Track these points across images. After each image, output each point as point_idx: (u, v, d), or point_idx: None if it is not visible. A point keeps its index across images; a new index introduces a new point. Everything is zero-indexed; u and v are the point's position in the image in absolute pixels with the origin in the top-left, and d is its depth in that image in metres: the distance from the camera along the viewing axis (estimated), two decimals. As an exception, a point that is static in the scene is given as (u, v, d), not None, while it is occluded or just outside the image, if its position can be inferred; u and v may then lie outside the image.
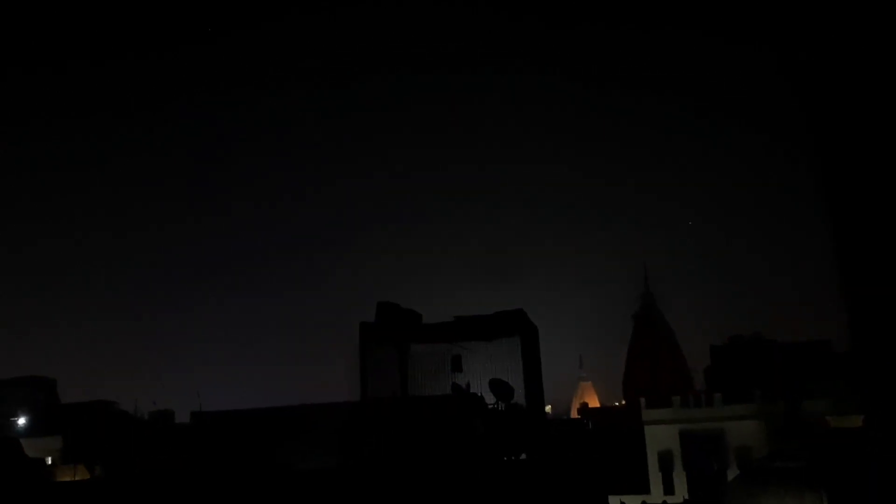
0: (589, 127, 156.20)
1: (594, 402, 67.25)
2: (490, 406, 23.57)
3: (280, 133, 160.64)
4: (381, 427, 21.83)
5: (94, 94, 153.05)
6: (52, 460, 46.69)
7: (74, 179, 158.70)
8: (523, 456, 22.29)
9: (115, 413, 56.11)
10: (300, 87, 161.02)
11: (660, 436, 45.81)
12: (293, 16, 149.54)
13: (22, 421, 56.45)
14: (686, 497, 42.39)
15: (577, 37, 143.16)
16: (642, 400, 46.78)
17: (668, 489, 44.74)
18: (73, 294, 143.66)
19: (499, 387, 23.34)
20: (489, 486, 19.68)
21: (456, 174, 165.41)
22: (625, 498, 36.63)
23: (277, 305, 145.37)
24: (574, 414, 63.25)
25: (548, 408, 66.55)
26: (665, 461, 45.82)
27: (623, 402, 59.45)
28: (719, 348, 52.63)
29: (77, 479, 40.02)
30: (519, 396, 23.19)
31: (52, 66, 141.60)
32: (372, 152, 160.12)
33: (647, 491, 44.21)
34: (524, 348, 23.46)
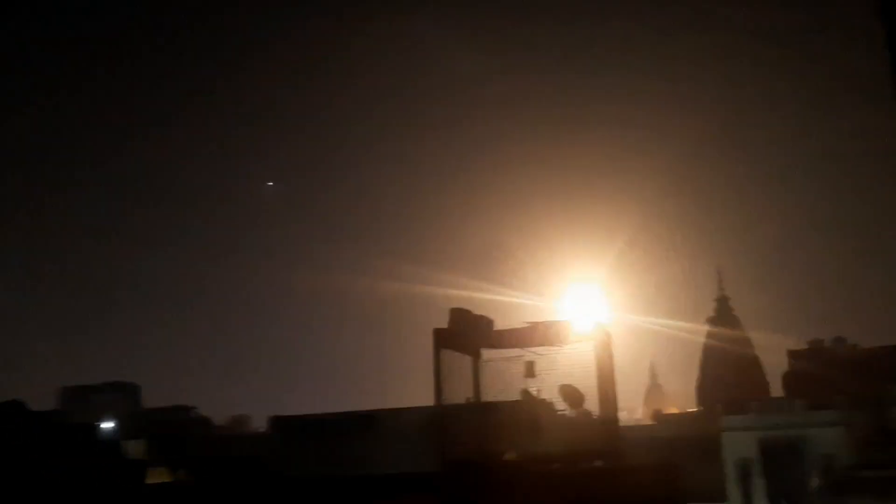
0: (656, 125, 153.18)
1: (668, 409, 66.15)
2: (560, 412, 23.46)
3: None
4: (456, 432, 22.03)
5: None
6: (137, 464, 48.70)
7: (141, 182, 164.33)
8: (598, 463, 22.16)
9: (195, 418, 58.17)
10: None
11: (738, 443, 44.75)
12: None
13: (109, 425, 59.02)
14: (766, 507, 41.33)
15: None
16: (719, 406, 45.87)
17: (747, 499, 43.72)
18: (150, 299, 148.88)
19: (569, 392, 23.23)
20: (558, 495, 19.61)
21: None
22: (701, 506, 35.91)
23: (352, 309, 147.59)
24: (648, 420, 62.37)
25: (622, 414, 65.69)
26: (743, 470, 44.76)
27: (698, 409, 58.35)
28: (798, 353, 51.15)
29: (161, 482, 41.66)
30: (592, 403, 23.08)
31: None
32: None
33: (724, 500, 43.30)
34: (597, 354, 23.26)
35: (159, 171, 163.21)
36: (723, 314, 59.26)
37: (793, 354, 51.80)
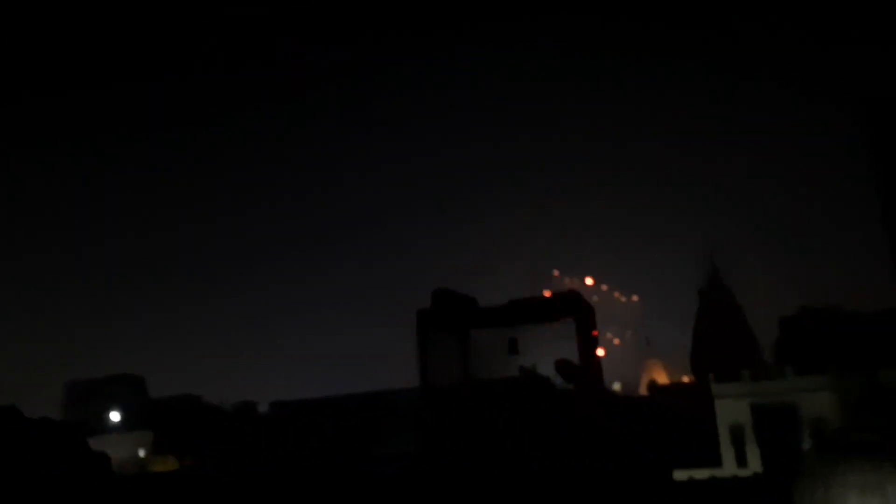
0: (653, 103, 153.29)
1: (663, 379, 67.01)
2: (558, 387, 24.19)
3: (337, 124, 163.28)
4: (450, 411, 22.78)
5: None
6: (144, 453, 49.70)
7: (137, 181, 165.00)
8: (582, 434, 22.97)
9: (201, 406, 59.01)
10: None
11: (730, 410, 45.49)
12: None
13: (115, 417, 59.98)
14: (759, 471, 42.15)
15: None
16: (711, 375, 46.56)
17: (741, 463, 44.49)
18: (155, 293, 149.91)
19: (565, 368, 23.99)
20: (559, 465, 20.37)
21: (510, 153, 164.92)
22: (694, 472, 36.82)
23: (341, 292, 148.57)
24: (643, 391, 63.23)
25: (617, 386, 66.79)
26: (737, 435, 45.52)
27: (692, 378, 59.16)
28: (789, 320, 51.82)
29: (169, 469, 42.63)
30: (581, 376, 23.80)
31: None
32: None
33: (718, 465, 44.12)
34: (580, 329, 24.15)
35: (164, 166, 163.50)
36: (715, 285, 59.86)
37: (784, 322, 52.44)
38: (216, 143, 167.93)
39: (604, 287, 76.91)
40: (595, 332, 24.13)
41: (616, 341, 71.66)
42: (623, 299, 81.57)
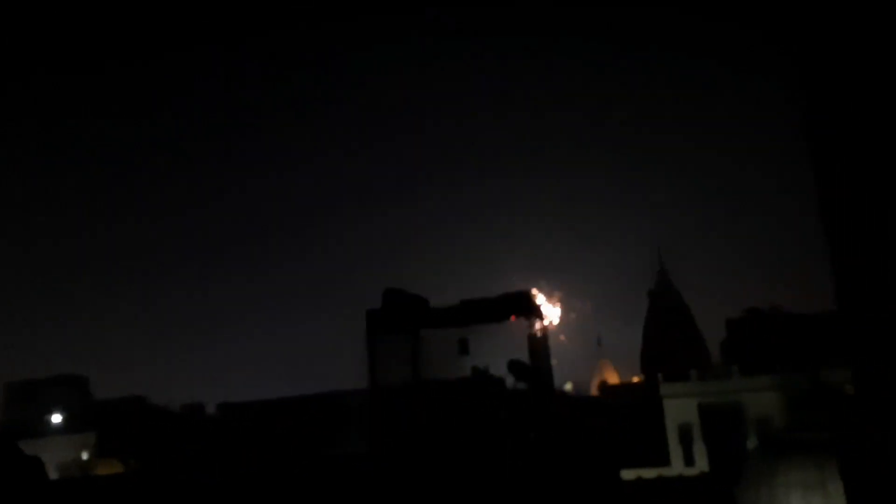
0: (602, 105, 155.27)
1: (613, 379, 67.81)
2: (510, 388, 24.09)
3: (277, 116, 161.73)
4: (400, 412, 22.52)
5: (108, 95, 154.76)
6: (87, 455, 48.32)
7: (74, 176, 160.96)
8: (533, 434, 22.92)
9: (147, 408, 57.69)
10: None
11: (678, 409, 46.26)
12: None
13: (57, 419, 58.23)
14: (706, 469, 42.88)
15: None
16: (660, 375, 47.24)
17: (689, 462, 45.23)
18: (96, 291, 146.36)
19: (518, 368, 23.92)
20: (512, 466, 20.28)
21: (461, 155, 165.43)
22: (642, 471, 37.25)
23: (287, 292, 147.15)
24: (594, 392, 63.87)
25: (568, 386, 67.29)
26: (685, 434, 46.28)
27: (642, 378, 59.95)
28: (735, 321, 52.87)
29: (112, 472, 41.45)
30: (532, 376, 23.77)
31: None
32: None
33: (667, 464, 44.77)
34: (531, 329, 24.05)
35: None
36: (663, 287, 60.84)
37: (730, 323, 53.46)
38: (157, 134, 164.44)
39: (556, 294, 77.27)
40: (546, 331, 24.12)
41: (567, 341, 72.12)
42: (575, 302, 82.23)
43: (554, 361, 25.93)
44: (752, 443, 41.36)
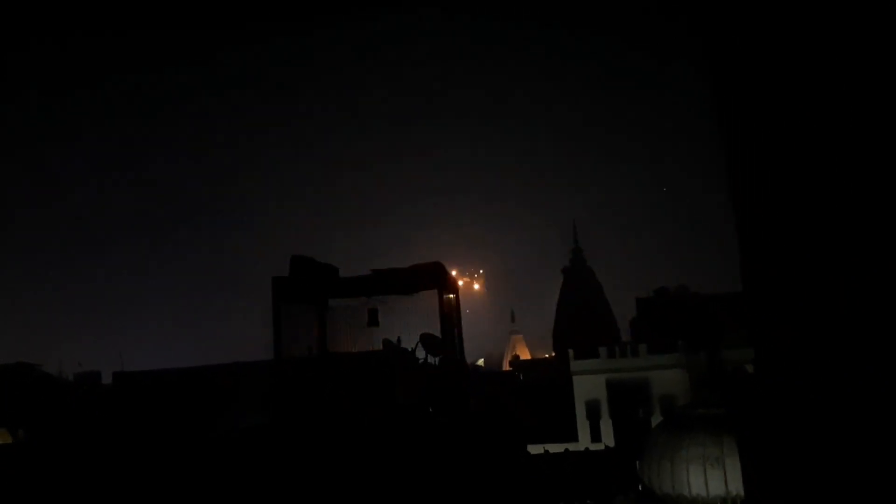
0: (521, 82, 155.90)
1: (525, 355, 68.56)
2: (421, 361, 23.49)
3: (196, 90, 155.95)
4: (305, 384, 21.59)
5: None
6: (-30, 425, 45.38)
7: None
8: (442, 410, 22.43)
9: (37, 376, 54.58)
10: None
11: (587, 386, 47.12)
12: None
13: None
14: (611, 445, 43.77)
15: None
16: (570, 351, 47.89)
17: (596, 437, 46.16)
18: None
19: (429, 341, 23.23)
20: (419, 442, 19.76)
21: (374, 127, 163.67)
22: (550, 446, 37.53)
23: (193, 261, 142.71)
24: (506, 367, 64.38)
25: (481, 361, 67.59)
26: (592, 410, 47.20)
27: (553, 354, 60.78)
28: (644, 300, 54.06)
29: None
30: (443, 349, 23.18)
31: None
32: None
33: (575, 439, 45.52)
34: (442, 302, 23.37)
35: None
36: (577, 264, 61.72)
37: (640, 302, 54.63)
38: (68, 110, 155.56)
39: (470, 268, 77.52)
40: (457, 304, 23.54)
41: (481, 315, 72.48)
42: (489, 276, 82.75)
43: (466, 336, 25.51)
44: (656, 418, 42.41)
